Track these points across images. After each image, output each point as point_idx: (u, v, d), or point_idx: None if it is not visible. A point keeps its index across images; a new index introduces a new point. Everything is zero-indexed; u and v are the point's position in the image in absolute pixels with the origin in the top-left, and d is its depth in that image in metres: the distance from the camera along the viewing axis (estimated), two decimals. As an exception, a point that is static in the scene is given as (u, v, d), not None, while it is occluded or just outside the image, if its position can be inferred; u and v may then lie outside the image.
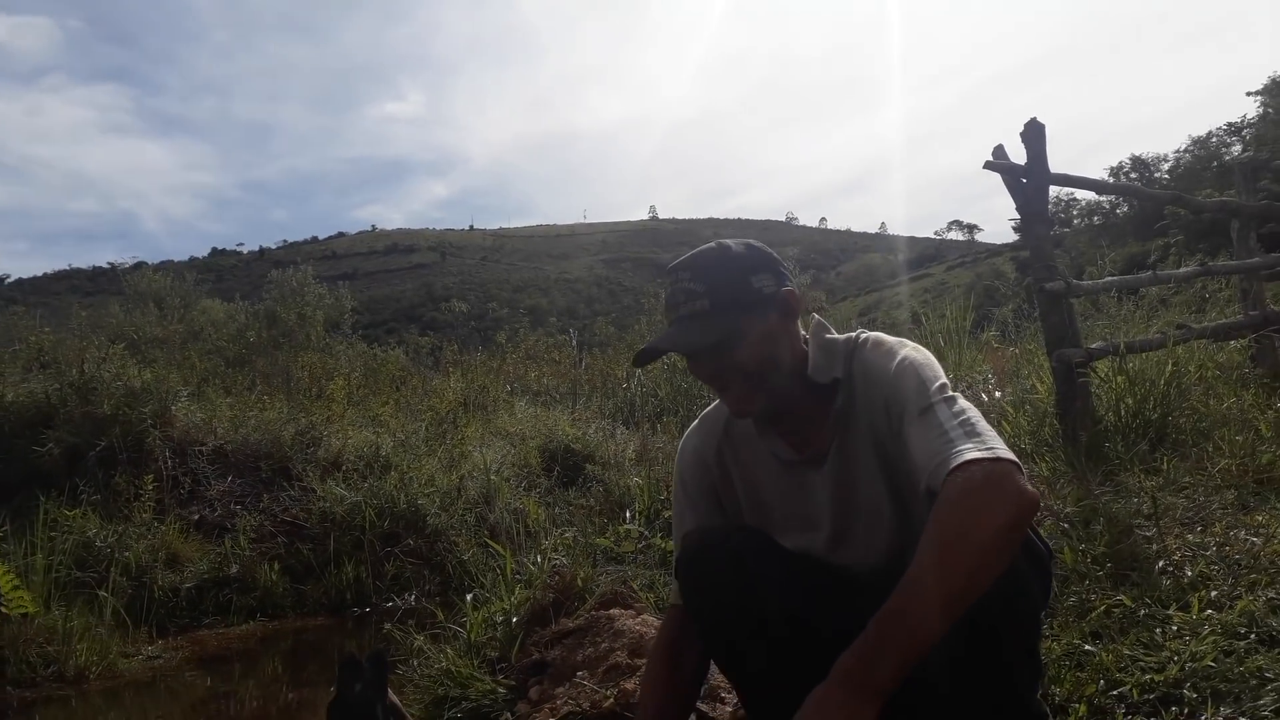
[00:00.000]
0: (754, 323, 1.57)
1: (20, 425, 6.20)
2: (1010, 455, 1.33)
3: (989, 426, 1.42)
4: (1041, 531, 2.30)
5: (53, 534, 5.06)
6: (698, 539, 1.64)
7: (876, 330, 1.73)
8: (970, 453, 1.34)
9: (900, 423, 1.50)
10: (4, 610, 4.40)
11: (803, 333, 1.69)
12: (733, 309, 1.56)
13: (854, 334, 1.68)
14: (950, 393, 1.48)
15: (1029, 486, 1.30)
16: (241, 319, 14.16)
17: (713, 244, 1.65)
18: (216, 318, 15.07)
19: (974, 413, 1.44)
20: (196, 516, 6.09)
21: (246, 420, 7.09)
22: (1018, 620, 1.43)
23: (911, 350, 1.58)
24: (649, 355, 1.63)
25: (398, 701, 2.17)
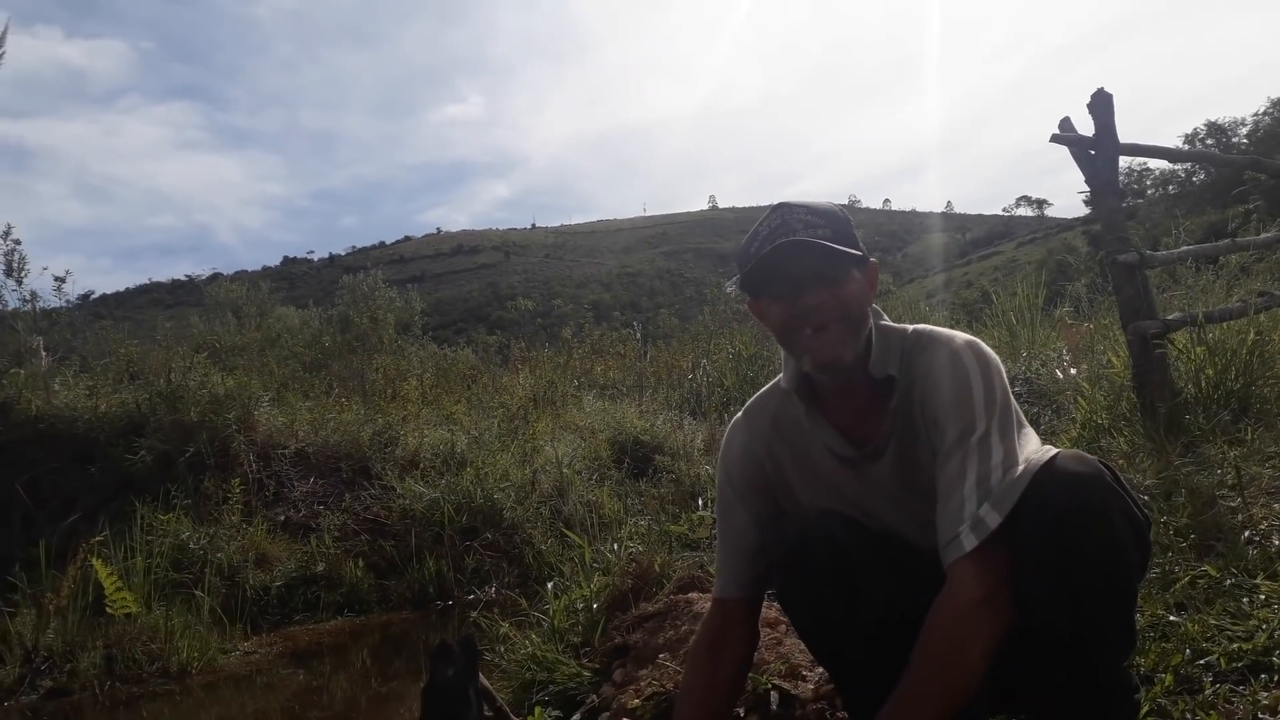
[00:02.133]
0: (858, 273, 1.58)
1: (114, 434, 6.47)
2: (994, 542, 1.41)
3: (1016, 469, 1.45)
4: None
5: (149, 537, 5.29)
6: (797, 529, 1.62)
7: (937, 315, 1.71)
8: (967, 540, 1.42)
9: (940, 442, 1.51)
10: (109, 610, 4.62)
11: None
12: (847, 248, 1.54)
13: (912, 329, 1.64)
14: (995, 420, 1.48)
15: (1002, 590, 1.41)
16: (316, 324, 14.52)
17: (827, 201, 1.63)
18: (291, 324, 15.46)
19: (999, 454, 1.46)
20: (282, 517, 6.30)
21: (326, 423, 7.30)
22: (1116, 590, 1.44)
23: (974, 360, 1.54)
24: (768, 267, 1.56)
25: (489, 685, 2.25)
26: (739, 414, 1.83)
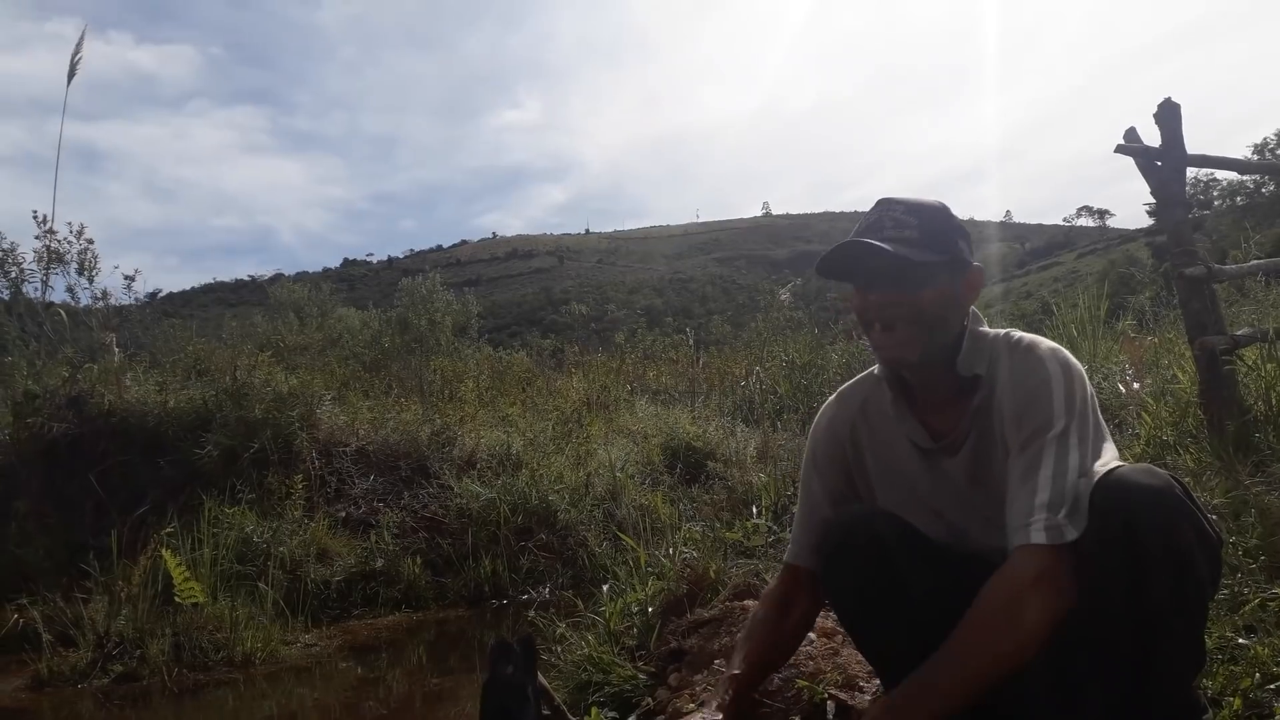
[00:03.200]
0: (946, 278, 1.61)
1: (182, 429, 6.65)
2: (1067, 537, 1.41)
3: (1084, 478, 1.44)
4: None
5: (215, 530, 5.42)
6: (841, 526, 1.68)
7: (1018, 328, 1.74)
8: (1037, 534, 1.41)
9: (1016, 437, 1.53)
10: (177, 599, 4.77)
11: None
12: (936, 252, 1.59)
13: (1004, 332, 1.68)
14: (1074, 421, 1.49)
15: (1066, 582, 1.41)
16: (375, 326, 14.78)
17: (935, 200, 1.68)
18: (352, 325, 15.74)
19: (1075, 459, 1.46)
20: (343, 514, 6.43)
21: (385, 422, 7.42)
22: (1185, 606, 1.42)
23: (1058, 365, 1.56)
24: (839, 258, 1.63)
25: (546, 684, 2.28)
26: (833, 395, 1.91)
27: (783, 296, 12.19)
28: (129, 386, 6.99)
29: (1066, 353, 1.60)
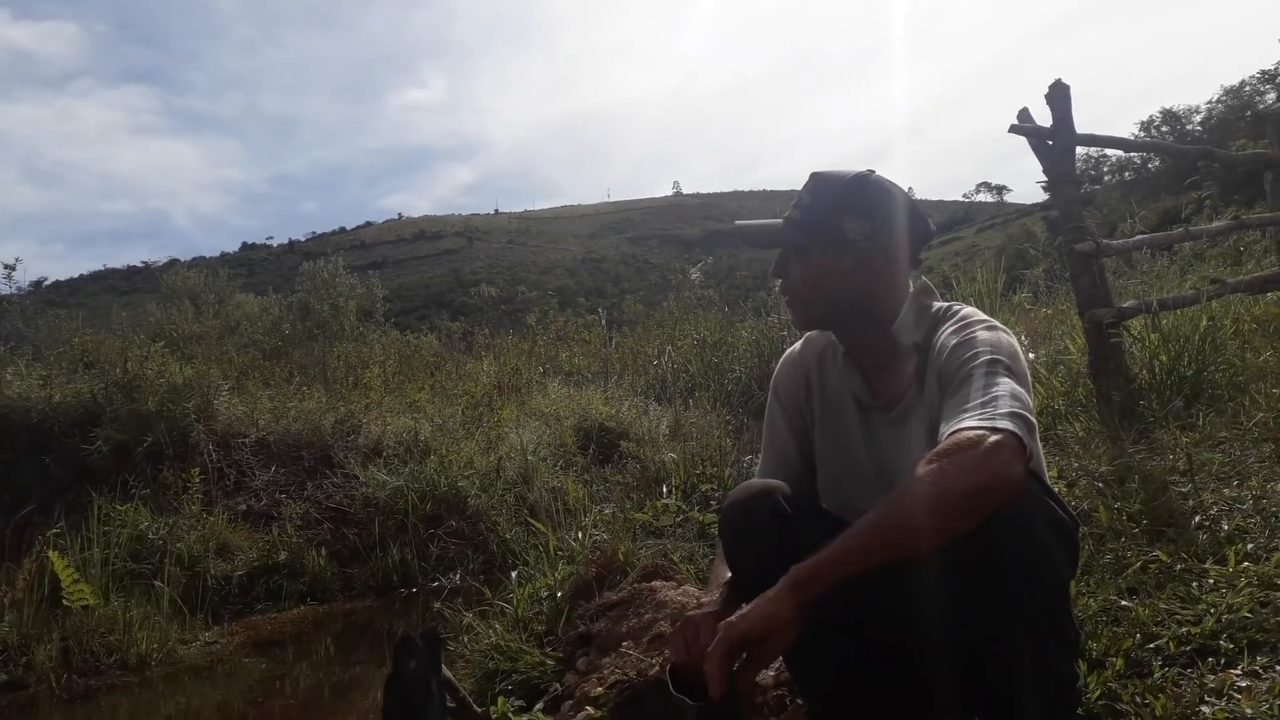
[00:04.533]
0: (822, 258, 1.71)
1: (69, 424, 6.35)
2: (1013, 428, 1.34)
3: (1016, 401, 1.40)
4: (1076, 490, 2.35)
5: (106, 528, 5.20)
6: (739, 506, 1.68)
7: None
8: (972, 419, 1.37)
9: (944, 395, 1.53)
10: (66, 603, 4.55)
11: (911, 286, 1.76)
12: (811, 234, 1.71)
13: (949, 305, 1.72)
14: (998, 368, 1.48)
15: (1015, 465, 1.32)
16: (276, 312, 14.37)
17: (860, 172, 1.75)
18: (251, 312, 15.25)
19: (1006, 387, 1.43)
20: (243, 507, 6.23)
21: (287, 411, 7.21)
22: (1045, 596, 1.45)
23: (985, 328, 1.58)
24: (750, 238, 1.81)
25: (451, 676, 2.25)
26: (797, 343, 1.99)
27: (694, 276, 12.23)
28: (10, 381, 6.65)
29: (998, 323, 1.63)
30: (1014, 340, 1.58)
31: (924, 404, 1.64)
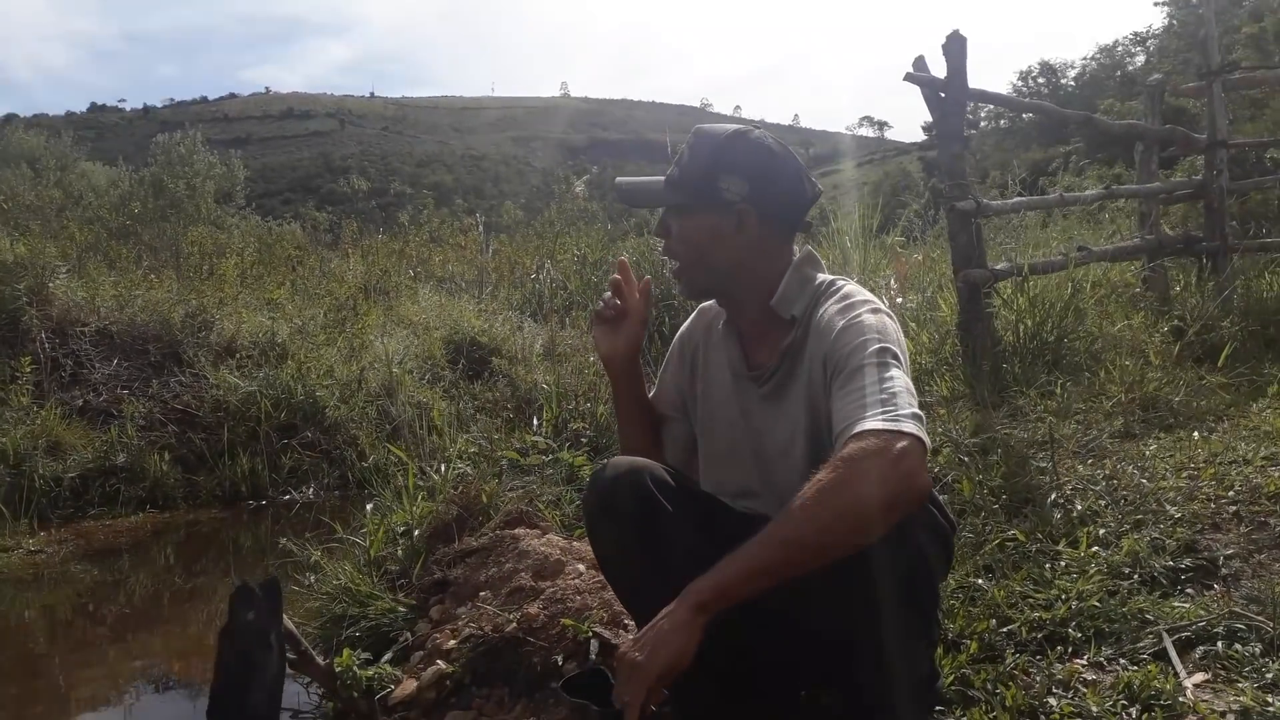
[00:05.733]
0: (701, 219, 1.65)
1: (-123, 303, 5.76)
2: (918, 432, 1.31)
3: (912, 398, 1.39)
4: (940, 459, 2.34)
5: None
6: (603, 486, 1.58)
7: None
8: (875, 420, 1.33)
9: (832, 381, 1.49)
10: None
11: (795, 253, 1.70)
12: (689, 193, 1.65)
13: (832, 279, 1.67)
14: (889, 358, 1.44)
15: (922, 473, 1.31)
16: (125, 186, 13.27)
17: (738, 129, 1.68)
18: (97, 183, 14.12)
19: (901, 382, 1.41)
20: (80, 402, 5.83)
21: (132, 300, 6.74)
22: (918, 598, 1.48)
23: (870, 311, 1.54)
24: (628, 197, 1.83)
25: (293, 628, 2.11)
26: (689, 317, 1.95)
27: (577, 188, 11.99)
28: None
29: (881, 304, 1.59)
30: (897, 324, 1.56)
31: (801, 384, 1.60)
